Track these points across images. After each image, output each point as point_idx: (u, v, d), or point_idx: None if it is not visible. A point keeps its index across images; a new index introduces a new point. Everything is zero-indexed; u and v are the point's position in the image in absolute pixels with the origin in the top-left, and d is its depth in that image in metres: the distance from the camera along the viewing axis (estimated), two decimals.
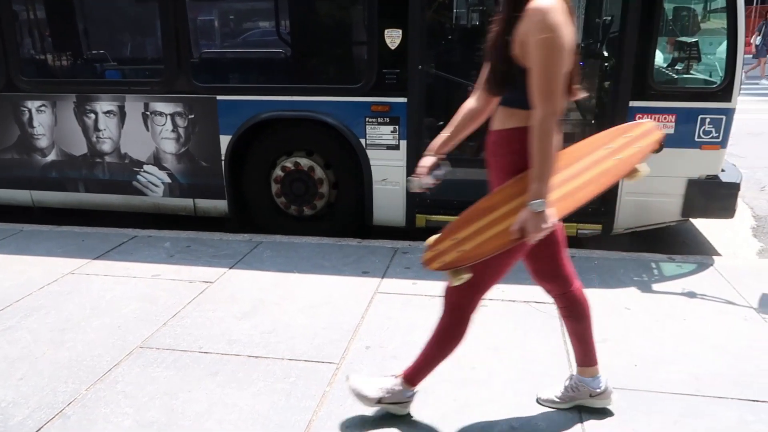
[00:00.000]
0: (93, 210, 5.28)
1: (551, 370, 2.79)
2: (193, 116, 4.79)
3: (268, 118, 4.69)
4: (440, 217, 4.63)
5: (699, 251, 4.69)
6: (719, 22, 4.23)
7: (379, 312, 3.40)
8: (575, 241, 4.43)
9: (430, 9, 4.61)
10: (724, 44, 4.11)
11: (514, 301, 3.51)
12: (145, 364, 2.90)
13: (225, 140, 4.76)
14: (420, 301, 3.52)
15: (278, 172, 4.87)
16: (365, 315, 3.36)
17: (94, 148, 5.06)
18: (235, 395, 2.63)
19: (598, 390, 2.45)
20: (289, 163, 4.83)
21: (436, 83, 4.75)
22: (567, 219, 4.37)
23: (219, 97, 4.72)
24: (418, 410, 2.50)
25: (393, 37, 4.37)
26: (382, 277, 3.88)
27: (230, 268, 4.09)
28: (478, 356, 2.90)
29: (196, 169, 4.92)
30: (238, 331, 3.20)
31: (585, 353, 2.45)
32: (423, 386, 2.65)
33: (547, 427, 2.39)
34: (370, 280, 3.84)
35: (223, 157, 4.80)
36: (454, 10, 5.37)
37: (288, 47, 5.15)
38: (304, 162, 4.80)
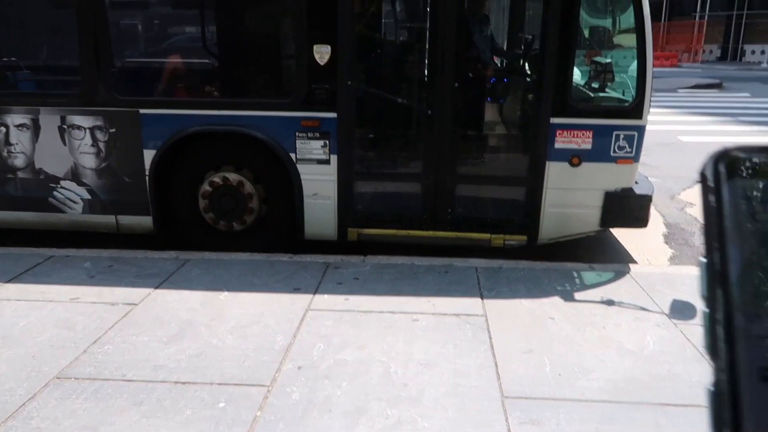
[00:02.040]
0: (4, 228, 4.96)
1: (481, 383, 2.86)
2: (114, 130, 4.60)
3: (195, 133, 4.58)
4: (372, 230, 4.67)
5: (617, 259, 4.94)
6: (632, 41, 4.50)
7: (311, 330, 3.38)
8: (503, 252, 4.58)
9: (359, 24, 4.66)
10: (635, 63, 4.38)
11: (444, 314, 3.58)
12: (62, 396, 2.75)
13: (149, 155, 4.60)
14: (352, 317, 3.52)
15: (206, 187, 4.75)
16: (297, 334, 3.33)
17: (5, 162, 4.76)
18: (161, 425, 2.53)
19: None
20: (217, 178, 4.72)
21: (366, 98, 4.79)
22: (494, 230, 4.61)
23: (142, 111, 4.56)
24: (350, 429, 2.50)
25: (322, 53, 4.38)
26: (314, 294, 3.86)
27: (156, 288, 3.95)
28: (410, 372, 2.94)
29: (118, 184, 4.72)
30: (164, 356, 3.09)
31: None
32: (356, 405, 2.66)
33: None
34: (302, 296, 3.81)
35: (147, 173, 4.63)
36: (383, 26, 5.44)
37: (216, 60, 5.06)
38: (233, 177, 4.71)
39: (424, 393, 2.78)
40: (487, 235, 4.62)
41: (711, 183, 0.21)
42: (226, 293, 3.87)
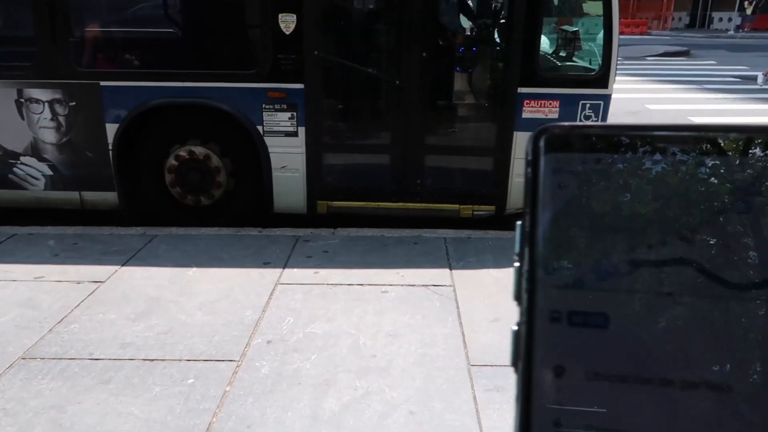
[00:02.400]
0: None
1: (448, 353, 2.92)
2: (74, 104, 4.47)
3: (159, 105, 4.47)
4: (342, 203, 4.67)
5: None
6: (599, 10, 4.50)
7: (280, 304, 3.39)
8: (472, 223, 4.63)
9: None
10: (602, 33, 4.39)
11: (413, 285, 3.62)
12: (28, 377, 2.73)
13: (112, 129, 4.49)
14: (321, 291, 3.54)
15: (172, 161, 4.67)
16: (266, 308, 3.34)
17: None
18: (130, 403, 2.54)
19: None
20: (183, 152, 4.64)
21: (333, 69, 4.73)
22: (463, 201, 4.64)
23: (103, 83, 4.43)
24: (319, 401, 2.54)
25: (287, 22, 4.29)
26: (284, 268, 3.86)
27: (122, 265, 3.90)
28: (379, 344, 2.98)
29: (81, 159, 4.61)
30: (131, 334, 3.08)
31: None
32: (325, 378, 2.70)
33: (444, 409, 2.51)
34: (271, 271, 3.81)
35: (110, 147, 4.53)
36: None
37: (179, 29, 4.91)
38: (199, 150, 4.63)
39: (393, 364, 2.83)
40: (455, 206, 4.66)
41: (530, 156, 0.25)
42: (194, 269, 3.84)
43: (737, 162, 0.25)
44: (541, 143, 0.27)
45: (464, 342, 3.01)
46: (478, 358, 2.87)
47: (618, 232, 0.25)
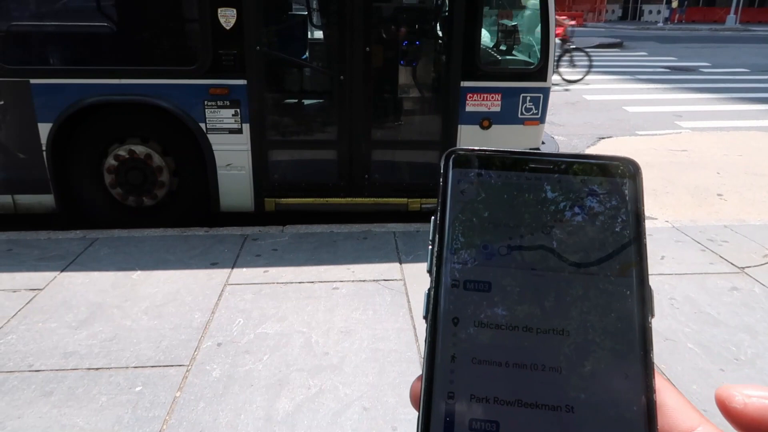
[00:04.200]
0: None
1: (400, 347, 2.96)
2: (2, 103, 4.24)
3: (94, 103, 4.31)
4: (290, 199, 4.63)
5: None
6: (536, 4, 4.61)
7: (230, 305, 3.35)
8: (421, 216, 4.69)
9: None
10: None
11: (364, 280, 3.64)
12: None
13: (45, 129, 4.29)
14: (272, 290, 3.52)
15: (111, 161, 4.51)
16: (215, 310, 3.29)
17: None
18: (74, 415, 2.46)
19: None
20: (122, 152, 4.50)
21: (276, 64, 4.67)
22: (411, 195, 4.68)
23: (33, 81, 4.23)
24: (272, 402, 2.53)
25: (227, 16, 4.20)
26: (232, 268, 3.81)
27: (62, 271, 3.75)
28: (331, 341, 2.99)
29: (11, 161, 4.39)
30: (74, 343, 2.97)
31: None
32: (277, 378, 2.69)
33: (397, 403, 2.55)
34: (220, 271, 3.75)
35: (44, 147, 4.33)
36: None
37: (115, 24, 4.73)
38: (140, 149, 4.50)
39: (345, 360, 2.84)
40: (404, 200, 4.70)
41: (441, 170, 0.38)
42: (138, 272, 3.74)
43: (574, 181, 0.37)
44: (450, 161, 0.38)
45: (416, 335, 3.05)
46: None
47: (497, 225, 0.36)
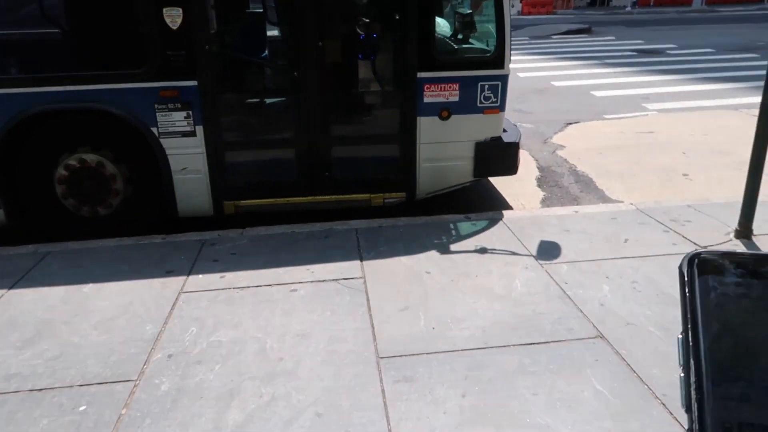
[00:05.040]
0: None
1: (357, 347, 2.88)
2: None
3: (39, 113, 4.15)
4: (250, 201, 4.52)
5: (495, 206, 5.12)
6: None
7: (183, 314, 3.24)
8: (385, 211, 4.61)
9: None
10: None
11: (323, 281, 3.55)
12: None
13: None
14: (228, 296, 3.41)
15: (62, 171, 4.36)
16: (168, 320, 3.18)
17: None
18: None
19: None
20: (73, 161, 4.34)
21: (227, 62, 4.55)
22: (373, 190, 4.60)
23: None
24: (222, 414, 2.43)
25: (173, 16, 4.08)
26: (188, 275, 3.69)
27: (10, 288, 3.61)
28: (286, 345, 2.90)
29: None
30: (17, 364, 2.84)
31: None
32: (229, 388, 2.60)
33: (351, 406, 2.47)
34: (175, 279, 3.64)
35: None
36: None
37: (57, 28, 4.56)
38: (91, 158, 4.35)
39: (300, 365, 2.75)
40: (366, 195, 4.62)
41: (686, 277, 0.23)
42: (90, 285, 3.60)
43: None
44: (695, 267, 0.30)
45: (374, 334, 2.98)
46: (388, 350, 2.85)
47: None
